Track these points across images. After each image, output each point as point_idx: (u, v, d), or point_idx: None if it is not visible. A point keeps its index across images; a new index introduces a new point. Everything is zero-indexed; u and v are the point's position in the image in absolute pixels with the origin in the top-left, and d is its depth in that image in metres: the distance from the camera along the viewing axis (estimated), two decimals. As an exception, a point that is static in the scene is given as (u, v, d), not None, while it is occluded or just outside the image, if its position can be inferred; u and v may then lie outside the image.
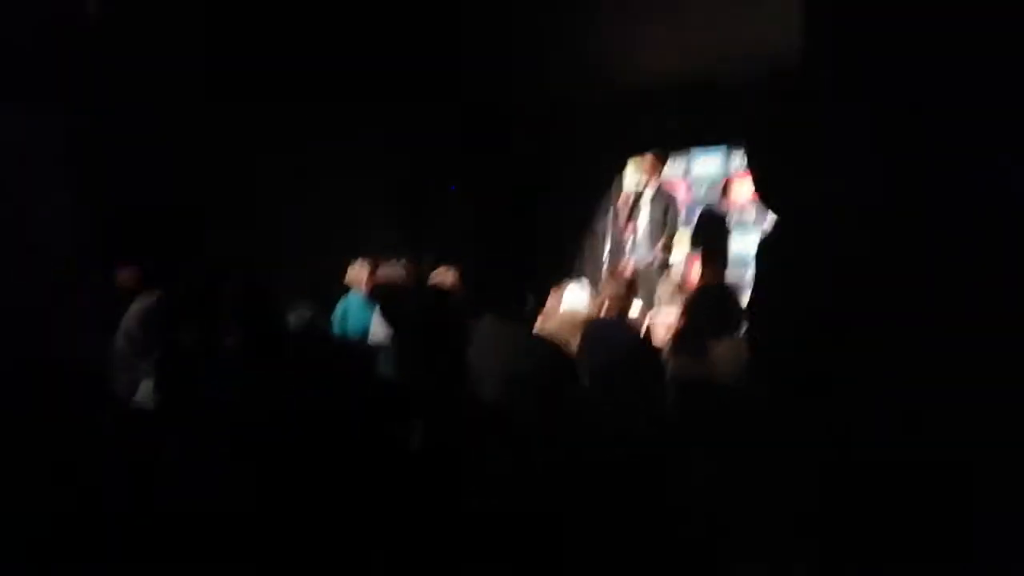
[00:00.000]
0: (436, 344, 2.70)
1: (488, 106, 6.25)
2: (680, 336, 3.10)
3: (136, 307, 2.68)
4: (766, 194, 1.34)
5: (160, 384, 2.33)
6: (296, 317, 2.85)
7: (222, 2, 4.66)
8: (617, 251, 5.69)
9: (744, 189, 6.10)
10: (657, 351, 3.25)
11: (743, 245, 6.03)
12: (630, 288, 3.59)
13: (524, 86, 5.87)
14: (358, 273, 4.67)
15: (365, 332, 4.14)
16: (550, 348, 2.68)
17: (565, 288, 3.42)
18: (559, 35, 4.96)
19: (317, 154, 5.54)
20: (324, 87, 5.40)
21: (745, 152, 1.54)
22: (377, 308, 3.96)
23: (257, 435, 1.95)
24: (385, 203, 6.08)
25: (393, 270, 4.38)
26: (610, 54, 5.20)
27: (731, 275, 5.29)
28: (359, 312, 4.44)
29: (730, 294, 3.11)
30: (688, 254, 5.61)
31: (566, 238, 6.70)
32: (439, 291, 3.28)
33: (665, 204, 5.40)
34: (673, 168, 6.19)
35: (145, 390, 2.54)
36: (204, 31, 4.71)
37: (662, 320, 3.94)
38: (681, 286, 4.23)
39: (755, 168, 1.36)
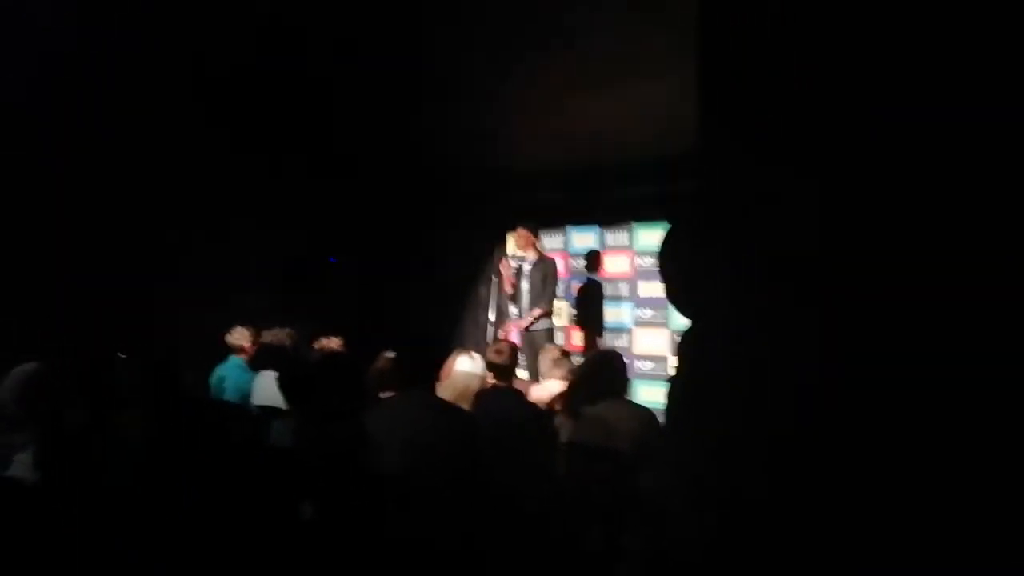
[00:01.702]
0: (336, 409, 2.71)
1: (374, 180, 6.35)
2: (571, 399, 3.23)
3: (14, 377, 2.53)
4: (677, 302, 1.43)
5: (44, 462, 2.22)
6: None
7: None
8: (500, 319, 5.88)
9: (618, 263, 6.49)
10: (548, 416, 3.38)
11: (616, 315, 6.38)
12: (513, 356, 3.71)
13: (411, 162, 6.03)
14: (238, 339, 4.58)
15: (244, 397, 4.06)
16: (457, 415, 2.75)
17: (457, 357, 3.50)
18: (447, 117, 5.17)
19: (196, 224, 5.44)
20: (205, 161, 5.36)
21: (659, 262, 1.59)
22: (263, 374, 3.89)
23: (161, 510, 1.89)
24: (264, 273, 5.99)
25: (279, 336, 4.33)
26: (497, 137, 5.45)
27: (606, 342, 5.57)
28: (238, 377, 4.35)
29: (616, 358, 3.28)
30: (568, 323, 5.85)
31: (449, 307, 6.81)
32: (343, 357, 3.28)
33: (544, 272, 5.65)
34: (552, 241, 6.50)
35: (22, 464, 2.39)
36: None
37: (547, 387, 4.10)
38: (564, 353, 4.41)
39: (667, 278, 1.44)
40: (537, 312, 5.54)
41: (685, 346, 1.44)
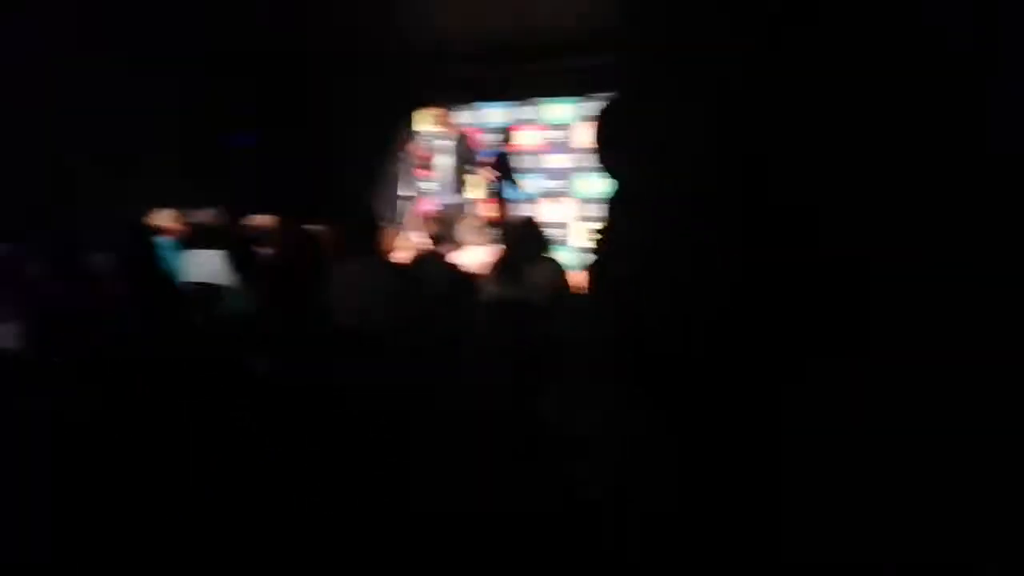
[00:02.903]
0: (291, 280, 2.98)
1: (281, 54, 6.30)
2: (499, 265, 3.61)
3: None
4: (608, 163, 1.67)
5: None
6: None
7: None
8: (412, 194, 6.13)
9: (526, 137, 6.80)
10: (478, 279, 3.76)
11: (524, 186, 6.75)
12: (447, 225, 4.02)
13: (318, 34, 6.00)
14: (166, 220, 4.69)
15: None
16: (412, 278, 3.09)
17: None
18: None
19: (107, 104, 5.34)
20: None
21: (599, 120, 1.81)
22: (197, 252, 4.07)
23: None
24: (181, 154, 5.97)
25: (210, 216, 4.48)
26: (408, 8, 5.50)
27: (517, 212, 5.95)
28: (168, 258, 4.52)
29: (537, 225, 3.68)
30: (483, 196, 6.17)
31: (359, 182, 6.96)
32: (299, 229, 3.48)
33: (460, 147, 5.90)
34: (465, 117, 6.72)
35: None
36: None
37: (470, 254, 4.47)
38: (483, 222, 4.77)
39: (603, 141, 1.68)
40: (465, 185, 5.84)
41: (613, 205, 1.77)
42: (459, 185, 5.89)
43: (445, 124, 5.91)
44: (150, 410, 2.00)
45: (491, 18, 5.41)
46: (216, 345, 2.78)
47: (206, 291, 3.44)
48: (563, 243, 6.26)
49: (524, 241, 3.51)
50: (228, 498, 1.73)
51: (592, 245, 1.82)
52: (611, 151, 1.74)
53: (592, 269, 1.84)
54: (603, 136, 1.78)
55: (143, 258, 2.77)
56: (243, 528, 1.67)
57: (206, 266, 3.95)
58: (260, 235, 4.00)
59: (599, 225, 1.87)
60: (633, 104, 1.74)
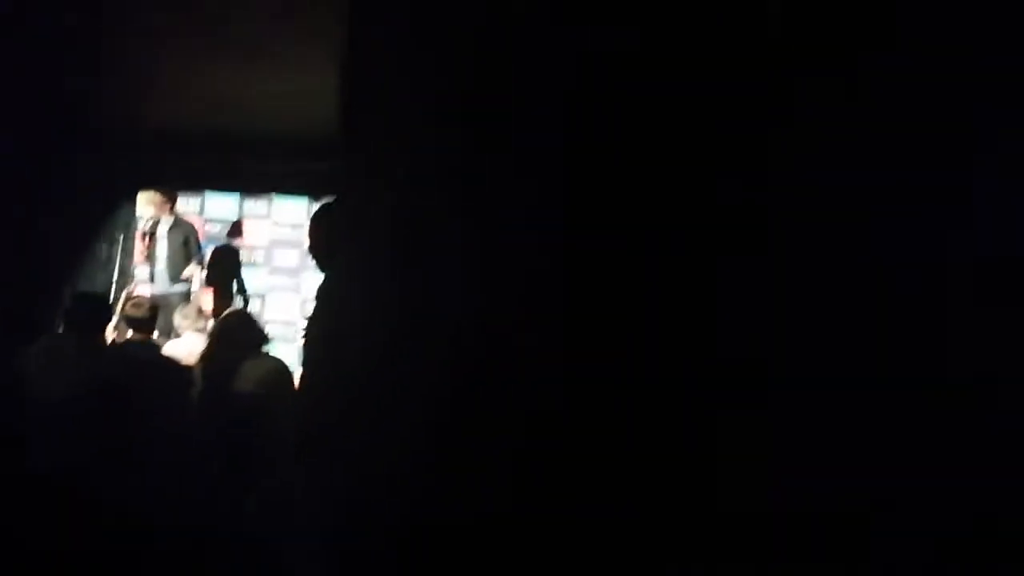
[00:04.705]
0: None
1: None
2: (210, 356, 3.53)
3: None
4: (318, 258, 1.89)
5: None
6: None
7: None
8: (127, 280, 5.78)
9: (256, 231, 6.74)
10: (187, 370, 3.63)
11: (250, 281, 6.63)
12: (153, 310, 3.85)
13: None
14: None
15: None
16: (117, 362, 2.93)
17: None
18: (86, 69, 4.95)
19: None
20: None
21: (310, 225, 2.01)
22: None
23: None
24: None
25: None
26: (137, 92, 5.33)
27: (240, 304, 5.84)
28: None
29: (254, 320, 3.67)
30: (202, 286, 5.97)
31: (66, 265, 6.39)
32: None
33: (185, 235, 5.73)
34: (189, 205, 6.52)
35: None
36: None
37: (183, 343, 4.31)
38: (200, 313, 4.62)
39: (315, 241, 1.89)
40: (187, 274, 5.66)
41: (322, 294, 1.92)
42: (179, 273, 5.68)
43: (168, 210, 5.72)
44: None
45: (224, 108, 5.42)
46: None
47: None
48: (289, 339, 6.20)
49: (239, 335, 3.47)
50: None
51: (302, 338, 1.96)
52: (319, 248, 1.93)
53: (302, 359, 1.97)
54: (314, 234, 1.96)
55: None
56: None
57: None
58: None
59: (308, 318, 2.02)
60: (341, 208, 1.95)
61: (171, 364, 3.61)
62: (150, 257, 5.69)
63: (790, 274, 1.18)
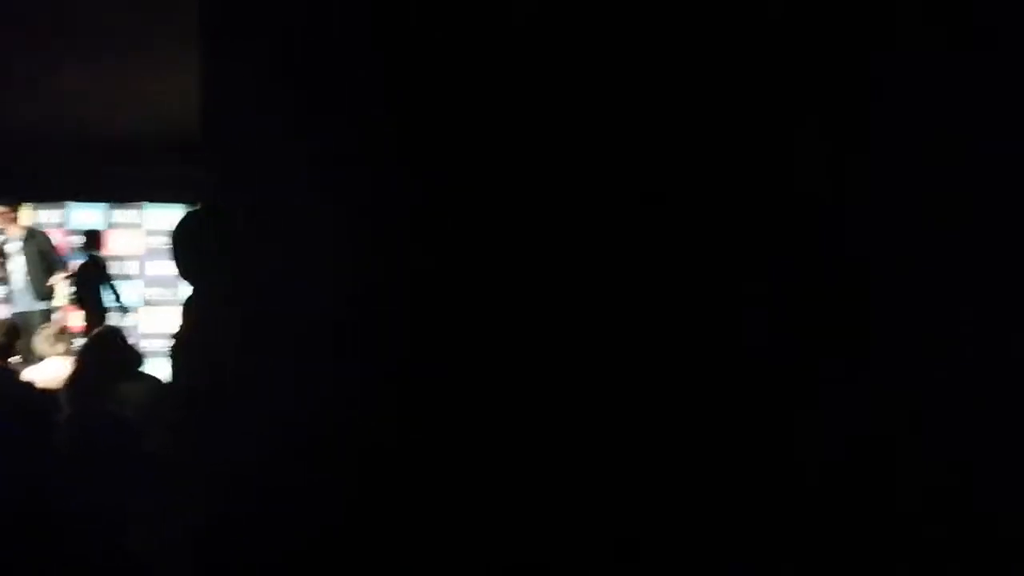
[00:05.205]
0: None
1: None
2: (78, 379, 3.27)
3: None
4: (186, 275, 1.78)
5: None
6: None
7: None
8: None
9: (124, 242, 6.34)
10: (51, 397, 3.35)
11: (124, 294, 6.25)
12: (11, 334, 3.57)
13: None
14: None
15: None
16: None
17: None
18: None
19: None
20: None
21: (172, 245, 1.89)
22: None
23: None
24: None
25: None
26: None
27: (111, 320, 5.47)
28: None
29: (125, 338, 3.43)
30: (68, 304, 5.58)
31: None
32: None
33: (40, 247, 5.36)
34: (50, 218, 6.09)
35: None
36: None
37: (46, 367, 3.99)
38: (63, 331, 4.28)
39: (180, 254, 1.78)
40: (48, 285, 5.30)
41: (188, 307, 1.80)
42: (42, 287, 5.28)
43: (17, 224, 5.32)
44: None
45: (84, 114, 5.06)
46: None
47: None
48: (164, 354, 5.87)
49: (110, 355, 3.23)
50: None
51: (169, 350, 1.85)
52: (181, 258, 1.80)
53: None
54: (176, 243, 1.83)
55: None
56: None
57: None
58: None
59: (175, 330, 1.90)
60: (201, 217, 1.83)
61: (31, 393, 3.34)
62: (3, 277, 5.28)
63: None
